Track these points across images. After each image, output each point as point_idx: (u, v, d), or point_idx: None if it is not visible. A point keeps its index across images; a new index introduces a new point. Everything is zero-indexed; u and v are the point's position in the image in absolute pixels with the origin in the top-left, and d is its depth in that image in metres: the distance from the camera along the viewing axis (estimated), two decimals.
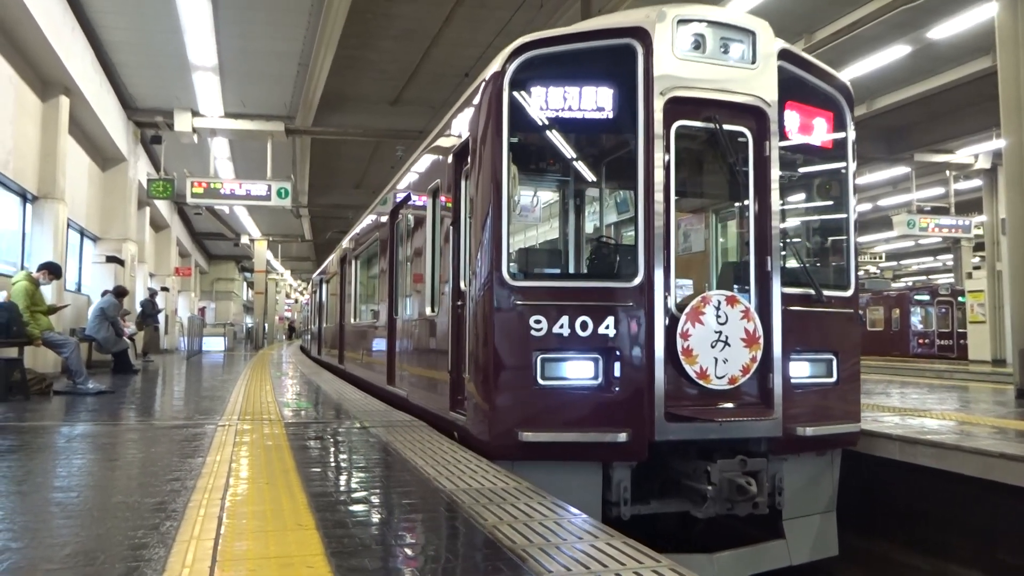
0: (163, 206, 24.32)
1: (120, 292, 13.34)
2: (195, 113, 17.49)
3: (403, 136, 18.66)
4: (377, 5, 12.85)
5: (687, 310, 5.17)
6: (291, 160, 21.00)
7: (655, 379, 5.08)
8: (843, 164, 6.14)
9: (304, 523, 3.29)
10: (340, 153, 22.65)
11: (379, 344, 10.07)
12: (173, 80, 15.79)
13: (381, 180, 20.20)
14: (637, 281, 5.19)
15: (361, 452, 5.29)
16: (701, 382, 5.16)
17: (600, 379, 5.13)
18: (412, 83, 16.47)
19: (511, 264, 5.24)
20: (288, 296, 65.78)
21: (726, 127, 5.49)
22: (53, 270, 10.15)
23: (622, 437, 4.98)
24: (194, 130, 17.59)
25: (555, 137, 5.80)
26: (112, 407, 8.07)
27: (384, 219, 10.17)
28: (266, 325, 38.94)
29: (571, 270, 7.09)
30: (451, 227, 6.28)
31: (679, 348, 5.12)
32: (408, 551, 2.96)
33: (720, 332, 5.22)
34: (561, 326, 5.07)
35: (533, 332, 5.06)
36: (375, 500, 3.83)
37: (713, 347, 5.19)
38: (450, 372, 6.17)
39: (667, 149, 5.29)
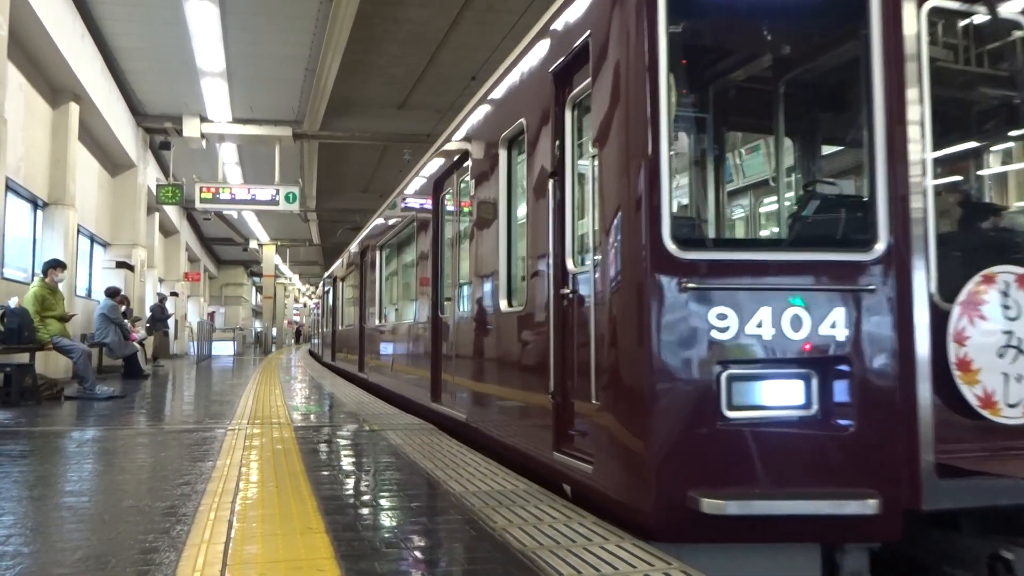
0: (172, 211, 24.44)
1: (111, 292, 13.36)
2: (203, 119, 17.59)
3: (411, 140, 18.70)
4: (384, 9, 12.88)
5: (962, 298, 3.37)
6: (299, 164, 21.07)
7: (917, 408, 3.26)
8: None
9: (314, 526, 3.29)
10: (348, 157, 22.70)
11: (417, 350, 8.40)
12: (181, 86, 15.88)
13: (389, 184, 20.22)
14: (878, 251, 3.37)
15: (370, 456, 5.28)
16: (986, 413, 3.34)
17: (825, 408, 3.36)
18: (419, 87, 16.50)
19: (676, 228, 3.45)
20: (296, 300, 66.02)
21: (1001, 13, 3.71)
22: (57, 264, 10.14)
23: (870, 507, 3.14)
24: (202, 135, 17.68)
25: (739, 30, 4.14)
26: (122, 412, 8.10)
27: (423, 195, 8.37)
28: (275, 330, 39.06)
29: (755, 235, 5.03)
30: (550, 181, 4.47)
31: (951, 358, 3.33)
32: (418, 554, 2.95)
33: (1011, 333, 3.43)
34: (759, 324, 3.34)
35: (715, 334, 3.32)
36: (384, 503, 3.82)
37: (1001, 356, 3.40)
38: (552, 394, 4.33)
39: (920, 43, 3.45)
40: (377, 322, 11.89)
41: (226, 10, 12.35)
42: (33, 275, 12.48)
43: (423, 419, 7.30)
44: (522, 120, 5.10)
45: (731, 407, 3.31)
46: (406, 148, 19.23)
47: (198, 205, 17.33)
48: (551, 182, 4.47)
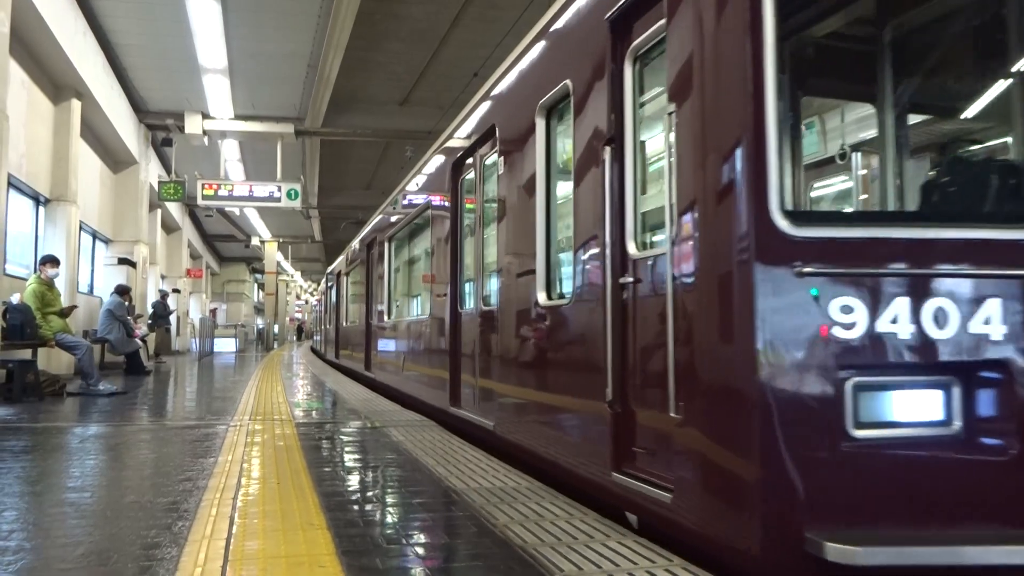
0: (174, 208, 24.47)
1: (121, 290, 13.42)
2: (205, 115, 17.58)
3: (412, 137, 18.70)
4: (385, 6, 12.87)
5: None
6: (301, 161, 21.08)
7: None
8: None
9: (315, 522, 3.30)
10: (350, 154, 22.71)
11: (431, 348, 7.81)
12: (183, 83, 15.88)
13: (391, 181, 20.22)
14: None
15: (372, 452, 5.29)
16: None
17: (979, 427, 2.70)
18: (421, 84, 16.49)
19: (787, 199, 2.80)
20: (298, 297, 66.10)
21: None
22: (51, 260, 10.14)
23: None
24: (204, 132, 17.68)
25: None
26: (124, 408, 8.11)
27: (440, 178, 7.73)
28: (276, 326, 39.10)
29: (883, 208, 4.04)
30: (606, 150, 3.77)
31: None
32: (419, 550, 2.95)
33: None
34: (894, 320, 2.70)
35: (838, 331, 2.68)
36: (386, 500, 3.83)
37: None
38: (609, 403, 3.63)
39: None
40: (387, 318, 11.22)
41: (228, 6, 12.34)
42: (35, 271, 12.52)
43: (443, 424, 6.81)
44: (567, 82, 4.41)
45: (858, 424, 2.66)
46: (408, 145, 19.24)
47: (200, 202, 17.34)
48: (607, 151, 3.75)
